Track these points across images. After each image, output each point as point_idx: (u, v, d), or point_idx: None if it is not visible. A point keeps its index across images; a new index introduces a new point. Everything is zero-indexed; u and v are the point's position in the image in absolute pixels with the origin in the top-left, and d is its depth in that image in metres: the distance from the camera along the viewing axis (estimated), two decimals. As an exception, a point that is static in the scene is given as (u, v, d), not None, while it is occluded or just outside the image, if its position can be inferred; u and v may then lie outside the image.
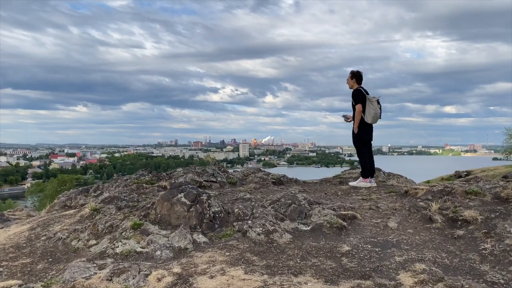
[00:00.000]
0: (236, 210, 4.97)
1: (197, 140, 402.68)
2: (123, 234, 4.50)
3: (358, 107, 7.29)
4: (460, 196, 5.31)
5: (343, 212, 5.01)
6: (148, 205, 5.21)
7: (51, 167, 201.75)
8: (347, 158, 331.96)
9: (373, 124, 7.55)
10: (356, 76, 7.49)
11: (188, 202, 4.75)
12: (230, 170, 8.96)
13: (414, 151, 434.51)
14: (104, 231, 4.73)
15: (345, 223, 4.71)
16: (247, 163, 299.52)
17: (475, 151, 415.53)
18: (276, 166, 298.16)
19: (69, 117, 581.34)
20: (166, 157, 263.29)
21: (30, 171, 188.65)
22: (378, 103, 7.33)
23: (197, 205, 4.72)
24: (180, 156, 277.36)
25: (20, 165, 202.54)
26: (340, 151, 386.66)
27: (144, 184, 6.71)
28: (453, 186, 5.60)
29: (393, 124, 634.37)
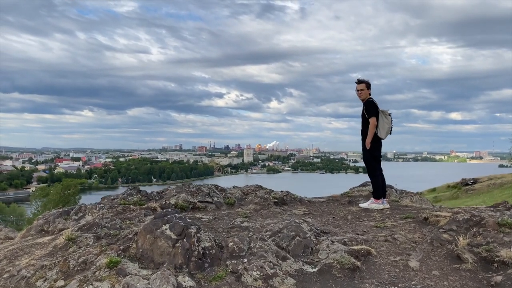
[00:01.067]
0: (230, 244, 4.25)
1: (202, 145, 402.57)
2: (96, 274, 3.81)
3: (373, 120, 6.64)
4: (492, 228, 4.56)
5: (356, 247, 4.28)
6: (130, 236, 4.52)
7: (56, 171, 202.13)
8: (351, 164, 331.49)
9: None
10: (369, 85, 6.92)
11: (173, 236, 4.04)
12: (230, 186, 8.28)
13: (419, 158, 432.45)
14: (75, 268, 4.03)
15: (358, 263, 3.98)
16: (251, 168, 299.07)
17: (481, 158, 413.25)
18: (280, 172, 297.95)
19: (75, 121, 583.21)
20: (170, 162, 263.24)
21: (35, 175, 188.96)
22: (390, 116, 6.76)
23: (184, 240, 4.01)
24: (185, 161, 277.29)
25: (26, 169, 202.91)
26: (345, 157, 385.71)
27: (131, 206, 6.02)
28: (482, 215, 4.86)
29: (399, 130, 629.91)
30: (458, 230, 4.73)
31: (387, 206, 6.76)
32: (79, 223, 5.50)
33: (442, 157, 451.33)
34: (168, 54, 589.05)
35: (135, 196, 6.40)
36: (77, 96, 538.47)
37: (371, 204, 6.78)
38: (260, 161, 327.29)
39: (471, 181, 43.15)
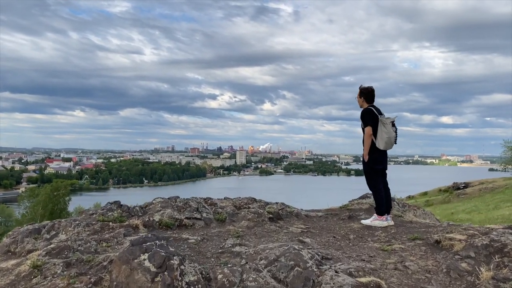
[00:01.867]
0: (219, 276, 3.66)
1: (194, 146, 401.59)
2: (60, 314, 3.21)
3: (368, 130, 6.14)
4: (517, 257, 4.02)
5: (364, 280, 3.71)
6: (105, 263, 3.91)
7: (46, 171, 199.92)
8: (343, 167, 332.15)
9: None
10: (365, 94, 6.36)
11: (153, 269, 3.45)
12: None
13: (410, 161, 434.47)
14: (37, 306, 3.42)
15: (368, 301, 3.42)
16: (244, 170, 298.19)
17: (471, 161, 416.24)
18: (273, 174, 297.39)
19: (66, 121, 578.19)
20: (162, 163, 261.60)
21: (25, 175, 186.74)
22: (393, 125, 6.16)
23: (165, 273, 3.42)
24: (177, 162, 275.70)
25: (15, 169, 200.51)
26: (337, 159, 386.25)
27: (110, 223, 5.41)
28: (503, 240, 4.31)
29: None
30: (477, 258, 4.18)
31: (392, 223, 6.21)
32: (50, 243, 4.88)
33: (433, 160, 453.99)
34: (161, 55, 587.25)
35: (115, 212, 5.77)
36: (69, 96, 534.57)
37: (374, 221, 6.22)
38: (252, 163, 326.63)
39: (463, 185, 43.00)
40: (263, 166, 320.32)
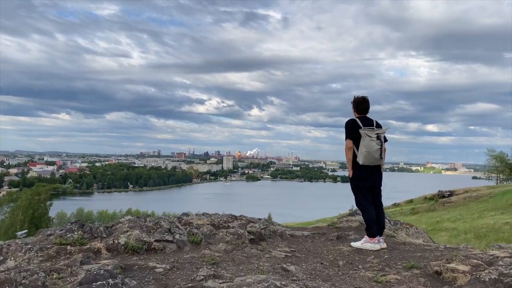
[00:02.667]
0: (185, 323, 3.04)
1: (181, 151, 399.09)
2: None
3: (346, 143, 5.73)
4: (533, 298, 3.48)
5: (357, 326, 3.13)
6: (50, 303, 3.27)
7: (29, 175, 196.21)
8: (330, 173, 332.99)
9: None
10: (355, 104, 5.89)
11: (101, 317, 2.81)
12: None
13: (396, 168, 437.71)
14: None
15: None
16: (231, 176, 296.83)
17: (455, 169, 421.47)
18: (259, 180, 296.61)
19: (51, 124, 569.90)
20: (148, 168, 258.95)
21: (6, 178, 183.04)
22: (378, 137, 5.55)
23: (117, 323, 2.79)
24: (163, 167, 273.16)
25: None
26: (324, 166, 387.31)
27: (68, 247, 4.74)
28: (514, 275, 3.77)
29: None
30: (486, 296, 3.63)
31: (384, 246, 5.64)
32: (-5, 271, 4.20)
33: (418, 168, 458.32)
34: (149, 58, 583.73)
35: (76, 233, 5.08)
36: (54, 99, 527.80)
37: (365, 243, 5.63)
38: (239, 169, 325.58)
39: (448, 193, 43.05)
40: (250, 171, 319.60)
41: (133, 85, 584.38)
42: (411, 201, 48.66)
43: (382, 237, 5.78)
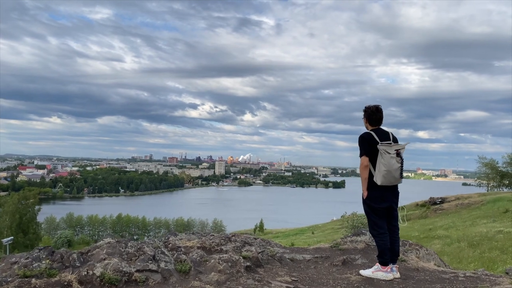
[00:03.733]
0: None
1: (173, 155, 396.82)
2: None
3: (361, 161, 4.97)
4: None
5: None
6: None
7: (18, 179, 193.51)
8: (321, 179, 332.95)
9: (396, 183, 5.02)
10: (367, 114, 5.17)
11: None
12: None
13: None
14: None
15: None
16: (223, 181, 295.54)
17: (445, 176, 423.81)
18: (251, 185, 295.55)
19: (42, 128, 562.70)
20: (139, 172, 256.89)
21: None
22: (399, 155, 4.85)
23: None
24: (154, 171, 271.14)
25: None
26: (315, 171, 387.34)
27: (33, 280, 4.04)
28: None
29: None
30: None
31: (397, 275, 4.99)
32: None
33: (409, 174, 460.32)
34: (142, 63, 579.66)
35: (43, 262, 4.39)
36: (46, 102, 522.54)
37: (376, 272, 4.96)
38: (231, 174, 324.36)
39: (439, 200, 42.80)
40: (242, 177, 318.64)
41: (126, 89, 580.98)
42: (402, 208, 48.36)
43: (395, 265, 5.10)
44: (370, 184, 4.95)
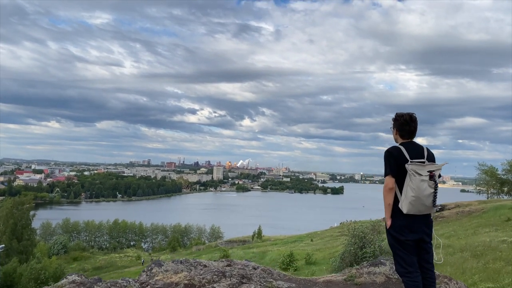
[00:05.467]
0: None
1: (171, 160, 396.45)
2: None
3: (386, 182, 4.03)
4: None
5: None
6: None
7: (15, 183, 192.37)
8: (320, 185, 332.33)
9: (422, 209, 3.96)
10: (398, 124, 4.21)
11: None
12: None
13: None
14: None
15: None
16: (221, 186, 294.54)
17: (444, 182, 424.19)
18: (250, 190, 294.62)
19: (40, 132, 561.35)
20: (137, 177, 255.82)
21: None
22: (432, 178, 3.87)
23: None
24: (152, 176, 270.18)
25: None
26: (314, 177, 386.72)
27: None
28: None
29: (366, 153, 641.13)
30: None
31: None
32: None
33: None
34: (141, 68, 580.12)
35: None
36: (45, 107, 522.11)
37: None
38: (230, 179, 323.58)
39: (439, 207, 42.59)
40: (240, 182, 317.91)
41: (125, 94, 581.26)
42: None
43: None
44: (395, 211, 4.01)
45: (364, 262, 6.06)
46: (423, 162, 3.96)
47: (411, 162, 3.92)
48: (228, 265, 5.21)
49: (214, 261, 5.44)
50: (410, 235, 3.97)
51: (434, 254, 4.16)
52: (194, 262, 5.14)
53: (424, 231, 4.03)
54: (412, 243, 4.00)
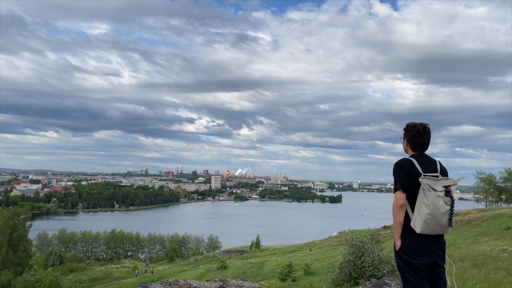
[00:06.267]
0: None
1: (169, 170, 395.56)
2: None
3: (396, 197, 3.65)
4: None
5: None
6: None
7: (12, 194, 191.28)
8: (318, 194, 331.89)
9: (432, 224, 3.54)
10: (411, 135, 3.86)
11: None
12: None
13: (383, 189, 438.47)
14: None
15: None
16: (219, 196, 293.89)
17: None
18: (248, 200, 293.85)
19: (38, 142, 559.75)
20: (135, 187, 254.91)
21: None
22: (448, 194, 3.51)
23: None
24: (150, 186, 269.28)
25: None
26: (312, 185, 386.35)
27: None
28: None
29: (364, 161, 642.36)
30: None
31: None
32: None
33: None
34: (139, 77, 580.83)
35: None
36: (42, 117, 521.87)
37: None
38: (228, 188, 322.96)
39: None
40: (238, 191, 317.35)
41: (123, 104, 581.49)
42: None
43: None
44: (406, 231, 3.62)
45: (367, 282, 5.78)
46: (437, 177, 3.61)
47: (424, 176, 3.58)
48: (221, 287, 4.92)
49: (206, 281, 5.16)
50: (422, 258, 3.57)
51: (447, 280, 3.75)
52: (184, 284, 4.88)
53: (438, 254, 3.63)
54: (424, 267, 3.58)
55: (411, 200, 3.60)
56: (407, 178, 3.61)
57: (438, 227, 3.52)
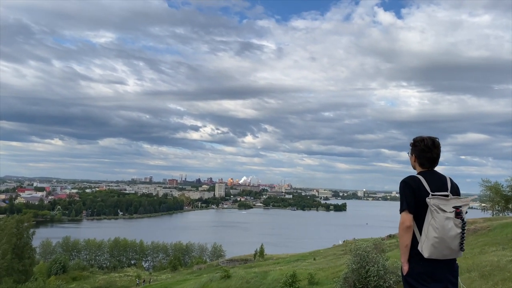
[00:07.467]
0: None
1: (173, 177, 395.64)
2: None
3: (403, 218, 3.36)
4: None
5: None
6: None
7: (17, 201, 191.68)
8: (322, 202, 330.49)
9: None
10: (419, 150, 3.57)
11: None
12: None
13: (388, 197, 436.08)
14: None
15: None
16: (223, 203, 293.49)
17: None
18: (252, 208, 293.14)
19: (43, 149, 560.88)
20: (139, 194, 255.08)
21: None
22: (459, 215, 3.20)
23: None
24: (154, 194, 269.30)
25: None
26: (316, 194, 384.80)
27: None
28: None
29: (369, 169, 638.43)
30: None
31: None
32: None
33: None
34: (144, 85, 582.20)
35: None
36: (48, 124, 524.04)
37: None
38: (232, 196, 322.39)
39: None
40: (242, 199, 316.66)
41: (128, 112, 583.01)
42: None
43: None
44: (414, 255, 3.34)
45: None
46: (447, 196, 3.31)
47: (432, 195, 3.28)
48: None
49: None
50: (431, 284, 3.27)
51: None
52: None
53: (449, 280, 3.31)
54: None
55: (419, 221, 3.32)
56: (414, 198, 3.33)
57: (447, 252, 3.22)
